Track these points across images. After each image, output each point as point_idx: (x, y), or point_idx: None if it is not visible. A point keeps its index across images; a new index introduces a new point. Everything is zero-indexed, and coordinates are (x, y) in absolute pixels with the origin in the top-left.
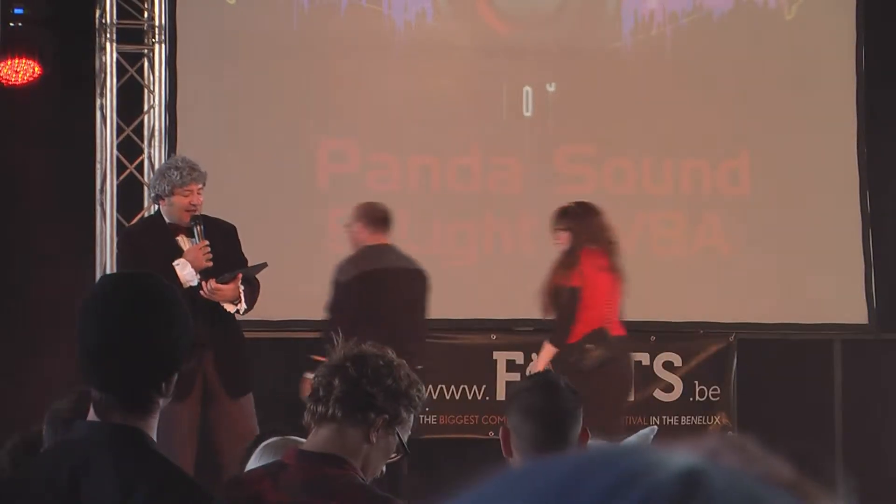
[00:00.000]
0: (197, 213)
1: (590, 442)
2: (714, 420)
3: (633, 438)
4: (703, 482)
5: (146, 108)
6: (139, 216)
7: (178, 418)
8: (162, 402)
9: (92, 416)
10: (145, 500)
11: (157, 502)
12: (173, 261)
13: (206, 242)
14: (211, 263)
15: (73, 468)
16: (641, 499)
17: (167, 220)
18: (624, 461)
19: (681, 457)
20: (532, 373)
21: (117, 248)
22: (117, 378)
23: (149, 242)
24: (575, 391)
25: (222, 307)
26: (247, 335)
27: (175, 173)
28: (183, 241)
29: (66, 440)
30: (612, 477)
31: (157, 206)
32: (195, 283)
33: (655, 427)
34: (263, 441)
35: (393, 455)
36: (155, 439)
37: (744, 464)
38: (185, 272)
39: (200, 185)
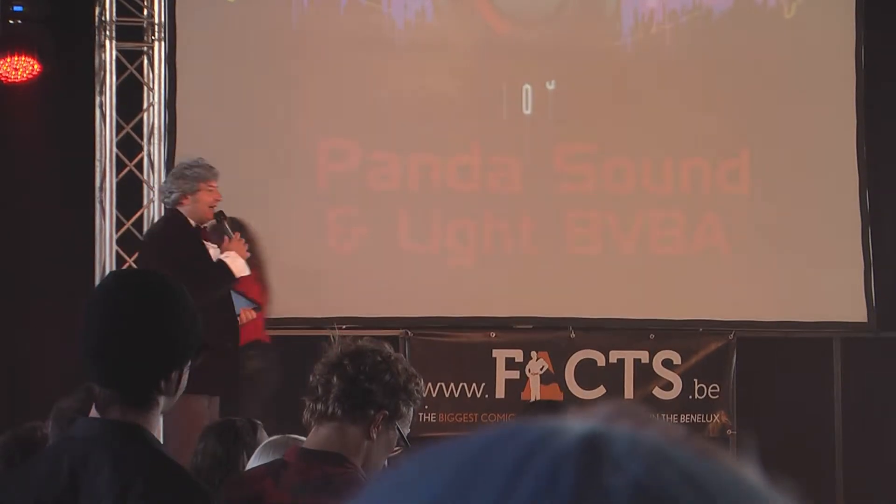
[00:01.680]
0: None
1: None
2: (713, 418)
3: None
4: (605, 444)
5: (145, 105)
6: (138, 214)
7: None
8: (163, 400)
9: (94, 413)
10: (141, 496)
11: (154, 498)
12: (202, 257)
13: (238, 233)
14: (249, 254)
15: (72, 464)
16: (549, 465)
17: (189, 219)
18: (527, 433)
19: (579, 423)
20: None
21: (145, 250)
22: (117, 374)
23: (180, 242)
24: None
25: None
26: None
27: (198, 170)
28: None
29: (66, 437)
30: (519, 448)
31: (166, 206)
32: (248, 272)
33: None
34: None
35: (395, 449)
36: (157, 436)
37: (638, 427)
38: (238, 263)
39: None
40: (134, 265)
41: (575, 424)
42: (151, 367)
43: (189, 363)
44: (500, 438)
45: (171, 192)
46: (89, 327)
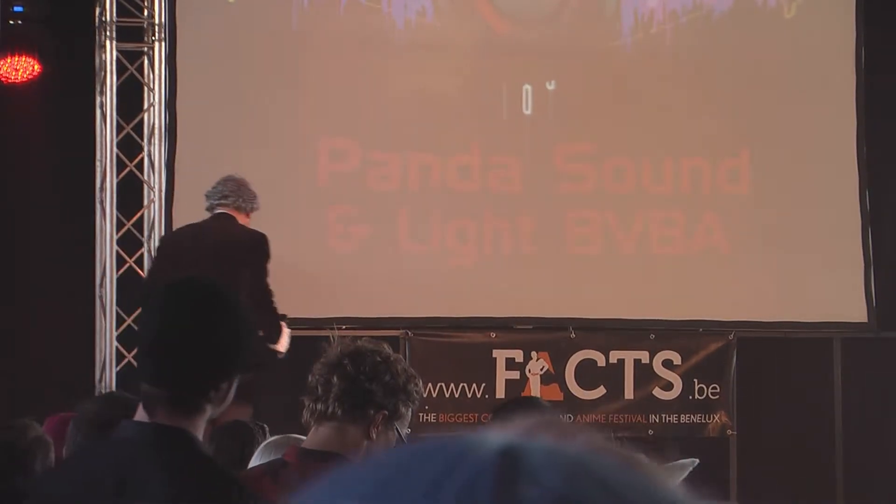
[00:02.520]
0: None
1: None
2: (713, 418)
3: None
4: (522, 457)
5: (146, 105)
6: (139, 214)
7: None
8: (210, 408)
9: (140, 416)
10: (192, 501)
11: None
12: None
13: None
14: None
15: (118, 467)
16: (467, 480)
17: None
18: (446, 448)
19: (497, 436)
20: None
21: (267, 248)
22: (171, 373)
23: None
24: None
25: None
26: None
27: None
28: None
29: (112, 440)
30: (439, 462)
31: (244, 210)
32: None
33: (696, 461)
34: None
35: None
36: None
37: (557, 438)
38: (285, 340)
39: None
40: (134, 265)
41: (494, 438)
42: (205, 372)
43: (239, 375)
44: (419, 454)
45: (249, 202)
46: (149, 324)
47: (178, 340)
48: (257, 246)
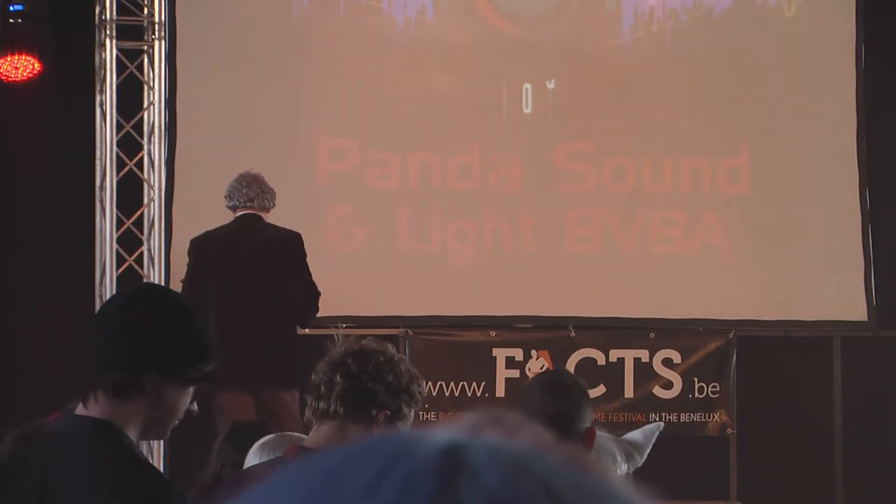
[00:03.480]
0: None
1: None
2: (713, 417)
3: (636, 433)
4: (464, 455)
5: (146, 104)
6: (138, 213)
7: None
8: (144, 401)
9: (79, 410)
10: (108, 493)
11: (120, 496)
12: None
13: None
14: None
15: (44, 460)
16: (404, 479)
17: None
18: (384, 446)
19: (441, 434)
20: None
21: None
22: (100, 357)
23: None
24: (583, 390)
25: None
26: None
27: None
28: None
29: (49, 432)
30: (375, 463)
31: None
32: None
33: (661, 424)
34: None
35: None
36: (133, 438)
37: (505, 435)
38: None
39: None
40: (134, 264)
41: (436, 436)
42: (130, 356)
43: (181, 383)
44: (359, 452)
45: (271, 200)
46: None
47: (109, 324)
48: (299, 244)
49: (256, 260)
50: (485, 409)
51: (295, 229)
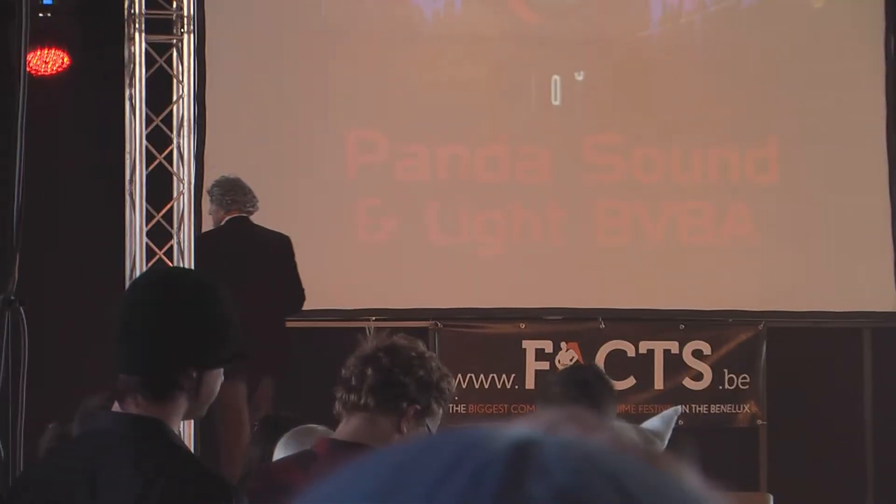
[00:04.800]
0: None
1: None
2: (743, 409)
3: (655, 420)
4: (534, 451)
5: (175, 98)
6: (168, 206)
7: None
8: (185, 398)
9: (116, 407)
10: (163, 492)
11: (175, 495)
12: None
13: None
14: None
15: (91, 459)
16: (473, 473)
17: None
18: (456, 440)
19: (513, 430)
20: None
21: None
22: (135, 359)
23: None
24: (606, 386)
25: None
26: None
27: None
28: None
29: (88, 431)
30: (445, 456)
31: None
32: None
33: (679, 408)
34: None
35: None
36: (176, 432)
37: (580, 433)
38: None
39: None
40: (164, 257)
41: (510, 431)
42: (173, 357)
43: (218, 367)
44: (429, 445)
45: (253, 203)
46: (119, 314)
47: (144, 324)
48: (289, 246)
49: (252, 259)
50: (562, 407)
51: (325, 221)
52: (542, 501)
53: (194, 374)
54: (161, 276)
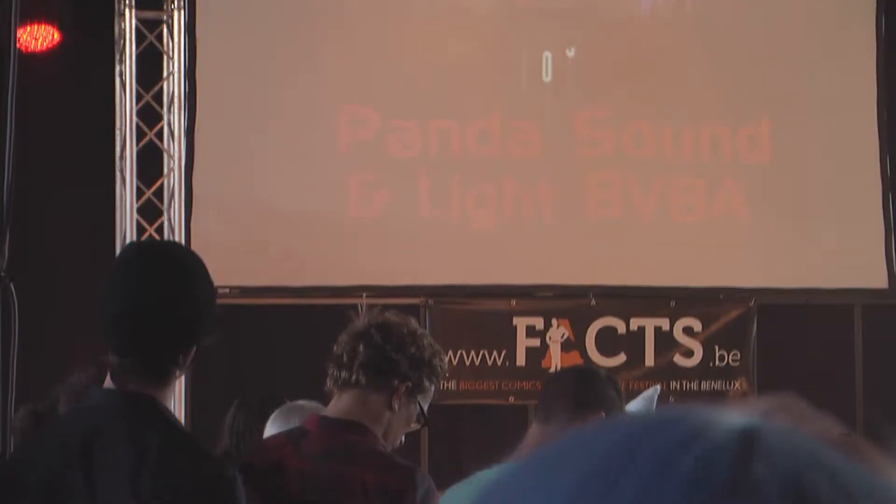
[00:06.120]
0: None
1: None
2: (734, 385)
3: (637, 402)
4: (760, 439)
5: (165, 74)
6: (158, 183)
7: None
8: (179, 373)
9: (108, 383)
10: (156, 462)
11: (170, 470)
12: None
13: None
14: None
15: (85, 434)
16: (702, 456)
17: None
18: (680, 422)
19: (735, 416)
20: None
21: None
22: (135, 343)
23: None
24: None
25: None
26: (268, 301)
27: None
28: None
29: (80, 407)
30: (671, 437)
31: None
32: None
33: (658, 387)
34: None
35: (413, 424)
36: (169, 407)
37: (795, 423)
38: None
39: None
40: (154, 234)
41: (733, 417)
42: (172, 339)
43: (208, 340)
44: (656, 424)
45: None
46: (111, 296)
47: (146, 310)
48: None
49: None
50: (777, 397)
51: (316, 197)
52: (770, 487)
53: (189, 350)
54: (152, 254)
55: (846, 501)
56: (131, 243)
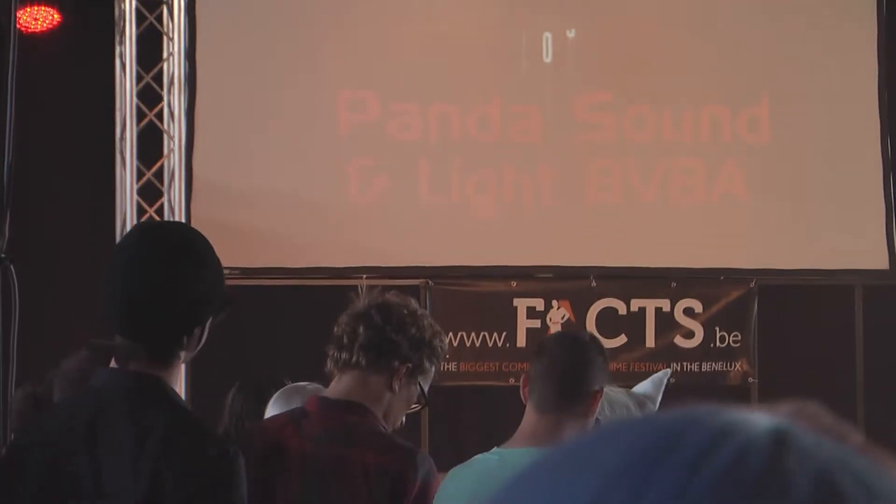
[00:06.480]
0: None
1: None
2: (735, 366)
3: (646, 384)
4: (791, 440)
5: (165, 55)
6: (159, 164)
7: None
8: (184, 355)
9: (113, 364)
10: (159, 442)
11: (171, 447)
12: None
13: None
14: None
15: (90, 414)
16: (735, 455)
17: None
18: (709, 421)
19: (765, 417)
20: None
21: None
22: (142, 326)
23: None
24: (599, 349)
25: None
26: (268, 283)
27: None
28: None
29: (86, 388)
30: (703, 437)
31: None
32: None
33: (668, 371)
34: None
35: (414, 405)
36: (176, 388)
37: (818, 428)
38: None
39: None
40: (154, 215)
41: (762, 418)
42: (177, 321)
43: (211, 319)
44: (678, 427)
45: None
46: (114, 278)
47: (150, 293)
48: None
49: None
50: (801, 403)
51: (317, 180)
52: (801, 486)
53: (196, 332)
54: (157, 235)
55: (873, 502)
56: (137, 225)
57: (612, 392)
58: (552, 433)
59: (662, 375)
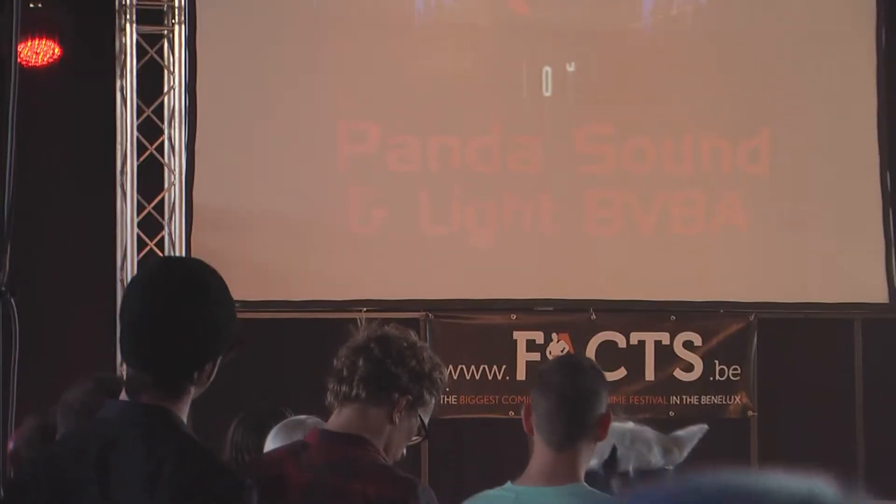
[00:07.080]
0: None
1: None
2: (734, 400)
3: (682, 433)
4: (819, 499)
5: (166, 89)
6: (159, 197)
7: None
8: (194, 390)
9: (124, 395)
10: (172, 474)
11: (184, 480)
12: None
13: None
14: None
15: (102, 445)
16: None
17: None
18: (748, 487)
19: (797, 481)
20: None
21: None
22: (154, 359)
23: None
24: (600, 374)
25: None
26: (267, 316)
27: None
28: None
29: (96, 418)
30: (753, 494)
31: None
32: None
33: (705, 426)
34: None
35: (414, 437)
36: (185, 421)
37: (841, 493)
38: None
39: None
40: (155, 248)
41: (792, 482)
42: (189, 356)
43: (227, 352)
44: (731, 487)
45: None
46: (130, 309)
47: (164, 326)
48: None
49: None
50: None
51: (316, 212)
52: None
53: (207, 368)
54: (172, 269)
55: None
56: (158, 258)
57: (638, 428)
58: (569, 470)
59: (698, 430)
